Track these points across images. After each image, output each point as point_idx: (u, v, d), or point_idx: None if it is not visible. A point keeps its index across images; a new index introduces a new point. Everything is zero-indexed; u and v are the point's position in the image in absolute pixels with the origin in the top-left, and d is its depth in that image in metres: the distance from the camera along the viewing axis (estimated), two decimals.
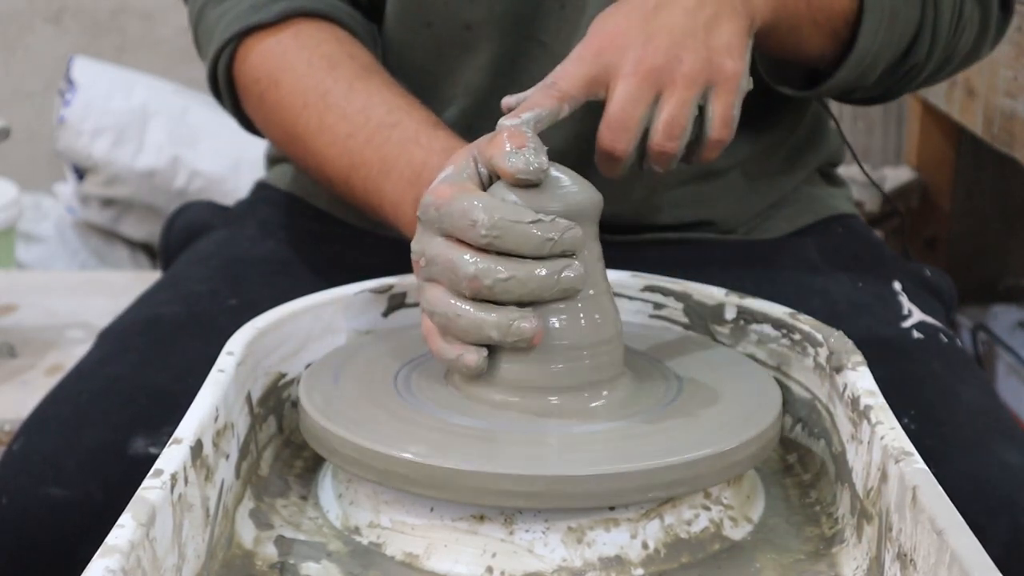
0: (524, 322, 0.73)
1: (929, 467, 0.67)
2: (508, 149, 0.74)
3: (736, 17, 0.88)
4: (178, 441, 0.69)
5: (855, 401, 0.76)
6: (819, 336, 0.83)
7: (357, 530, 0.74)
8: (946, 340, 1.01)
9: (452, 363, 0.76)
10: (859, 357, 0.79)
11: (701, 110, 0.86)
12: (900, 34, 1.01)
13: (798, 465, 0.85)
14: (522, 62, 1.05)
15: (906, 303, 1.04)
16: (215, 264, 1.09)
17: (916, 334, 1.01)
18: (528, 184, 0.74)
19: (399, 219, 0.92)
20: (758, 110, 1.02)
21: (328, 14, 1.04)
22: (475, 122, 1.06)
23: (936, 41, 1.03)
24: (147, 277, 1.91)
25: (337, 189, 1.00)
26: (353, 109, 0.97)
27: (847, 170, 2.22)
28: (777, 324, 0.88)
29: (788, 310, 0.87)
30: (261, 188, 1.23)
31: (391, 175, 0.92)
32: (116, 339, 1.01)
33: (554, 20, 1.04)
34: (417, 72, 1.07)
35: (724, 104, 0.86)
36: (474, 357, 0.75)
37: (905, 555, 0.64)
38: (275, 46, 1.02)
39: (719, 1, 0.87)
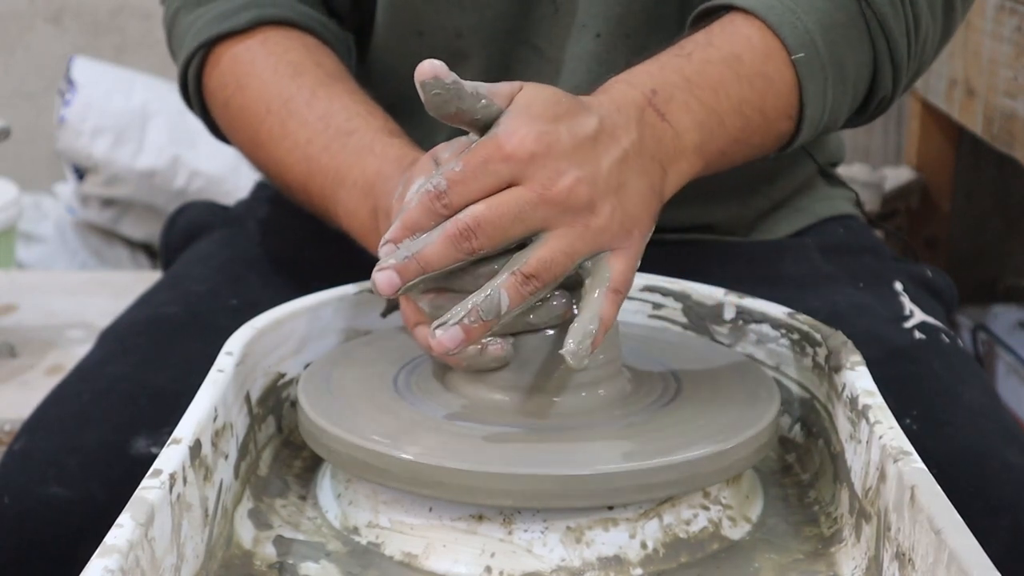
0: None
1: (930, 468, 0.67)
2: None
3: (650, 176, 0.79)
4: (177, 441, 0.69)
5: (854, 401, 0.76)
6: (818, 336, 0.84)
7: (356, 530, 0.74)
8: (947, 340, 1.01)
9: (476, 360, 0.75)
10: (857, 357, 0.79)
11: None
12: (855, 81, 0.95)
13: (797, 465, 0.85)
14: (516, 68, 1.05)
15: (907, 304, 1.04)
16: (215, 264, 1.09)
17: (917, 335, 1.01)
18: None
19: (353, 229, 0.92)
20: None
21: (298, 22, 1.04)
22: None
23: (899, 68, 0.97)
24: (147, 277, 1.91)
25: (297, 196, 1.00)
26: (314, 116, 0.96)
27: (847, 170, 2.23)
28: (776, 324, 0.88)
29: (787, 310, 0.87)
30: (261, 188, 1.23)
31: (345, 183, 0.92)
32: (117, 339, 1.01)
33: (547, 24, 1.03)
34: (410, 82, 1.07)
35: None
36: (498, 347, 0.75)
37: (903, 555, 0.64)
38: (244, 53, 1.02)
39: (643, 157, 0.79)
